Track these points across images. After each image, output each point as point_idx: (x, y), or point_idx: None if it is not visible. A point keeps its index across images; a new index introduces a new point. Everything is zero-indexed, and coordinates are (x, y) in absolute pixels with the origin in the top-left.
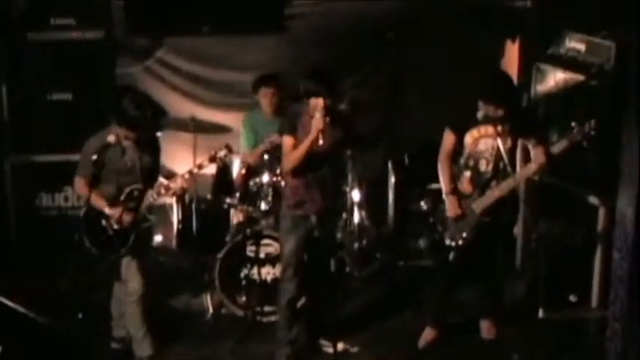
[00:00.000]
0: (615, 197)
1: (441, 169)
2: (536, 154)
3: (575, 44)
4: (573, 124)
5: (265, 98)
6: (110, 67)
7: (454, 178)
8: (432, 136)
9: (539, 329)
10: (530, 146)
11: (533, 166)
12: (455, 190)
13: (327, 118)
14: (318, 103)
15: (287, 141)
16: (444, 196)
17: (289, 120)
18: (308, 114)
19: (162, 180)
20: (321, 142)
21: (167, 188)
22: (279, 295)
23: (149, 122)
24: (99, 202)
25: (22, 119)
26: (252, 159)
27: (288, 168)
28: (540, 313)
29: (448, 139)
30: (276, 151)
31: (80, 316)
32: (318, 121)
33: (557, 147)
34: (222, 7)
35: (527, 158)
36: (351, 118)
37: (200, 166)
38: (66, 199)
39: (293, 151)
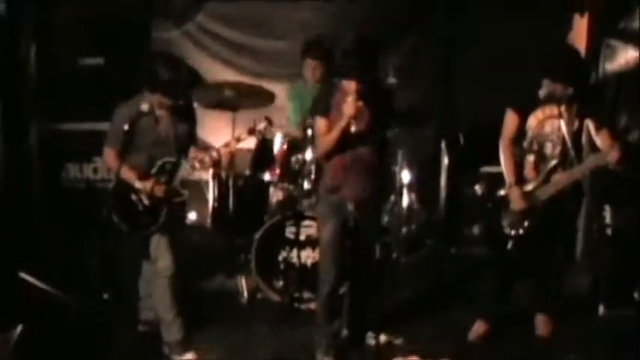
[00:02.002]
0: None
1: (503, 156)
2: (605, 140)
3: None
4: None
5: (309, 70)
6: (146, 31)
7: (519, 167)
8: (490, 113)
9: (599, 327)
10: (593, 130)
11: (612, 154)
12: (519, 181)
13: (360, 103)
14: (350, 85)
15: (319, 123)
16: (506, 187)
17: (322, 98)
18: (343, 91)
19: (197, 152)
20: (353, 128)
21: (202, 162)
22: (318, 286)
23: (185, 89)
24: (129, 175)
25: (50, 83)
26: (297, 131)
27: (321, 153)
28: (601, 310)
29: (511, 121)
30: None
31: (106, 295)
32: (349, 106)
33: (633, 136)
34: None
35: (593, 142)
36: (390, 94)
37: (238, 139)
38: (95, 170)
39: (325, 135)
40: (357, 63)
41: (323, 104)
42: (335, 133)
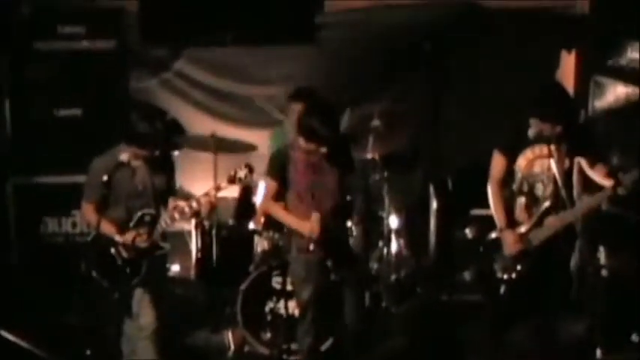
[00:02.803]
0: None
1: (493, 199)
2: (602, 174)
3: (637, 55)
4: None
5: (292, 115)
6: (123, 81)
7: (509, 210)
8: (478, 156)
9: None
10: (587, 167)
11: (605, 193)
12: (511, 223)
13: (319, 228)
14: (319, 149)
15: (269, 186)
16: (497, 231)
17: (278, 158)
18: (300, 150)
19: (176, 203)
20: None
21: (182, 212)
22: (297, 339)
23: (161, 139)
24: (108, 229)
25: (26, 137)
26: None
27: (260, 216)
28: (598, 355)
29: (498, 162)
30: None
31: (88, 353)
32: (314, 227)
33: (630, 177)
34: (246, 15)
35: (585, 182)
36: (346, 141)
37: (218, 188)
38: (74, 224)
39: (272, 205)
40: (331, 127)
41: (277, 166)
42: (285, 219)
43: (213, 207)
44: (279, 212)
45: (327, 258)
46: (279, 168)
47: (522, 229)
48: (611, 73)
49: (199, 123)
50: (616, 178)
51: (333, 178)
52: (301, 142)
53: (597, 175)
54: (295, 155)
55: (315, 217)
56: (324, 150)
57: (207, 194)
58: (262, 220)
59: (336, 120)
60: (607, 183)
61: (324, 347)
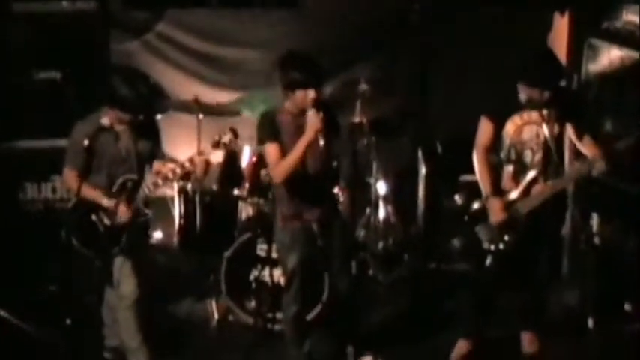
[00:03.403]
0: None
1: (478, 166)
2: (590, 149)
3: (633, 17)
4: None
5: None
6: (104, 43)
7: (495, 177)
8: (468, 121)
9: (588, 342)
10: (575, 138)
11: (598, 164)
12: (497, 192)
13: (322, 114)
14: (308, 95)
15: (271, 150)
16: (483, 199)
17: (268, 123)
18: (288, 112)
19: (159, 168)
20: (321, 142)
21: (166, 177)
22: (283, 308)
23: (145, 103)
24: (93, 194)
25: (4, 100)
26: None
27: (280, 179)
28: (590, 324)
29: (485, 129)
30: None
31: (68, 322)
32: (313, 119)
33: (623, 143)
34: None
35: (575, 148)
36: (330, 105)
37: (201, 153)
38: (53, 190)
39: (283, 160)
40: (312, 71)
41: (270, 129)
42: (298, 152)
43: (207, 167)
44: (289, 158)
45: (314, 222)
46: (273, 130)
47: (510, 197)
48: (606, 36)
49: (182, 86)
50: (604, 148)
51: (321, 141)
52: (288, 104)
53: (584, 148)
54: (283, 119)
55: (312, 111)
56: (312, 95)
57: (191, 160)
58: (247, 185)
59: (318, 67)
60: (593, 157)
61: (310, 316)
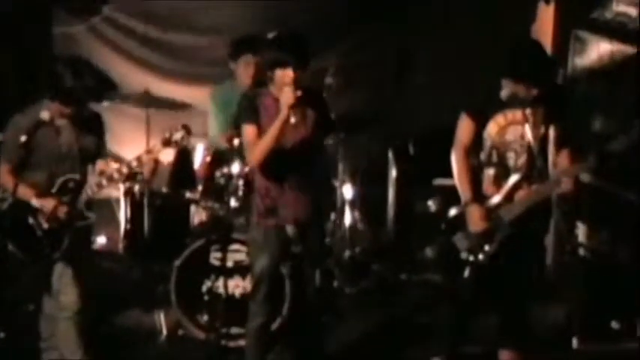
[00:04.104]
0: None
1: (457, 169)
2: (563, 160)
3: (624, 8)
4: (636, 124)
5: (247, 68)
6: (45, 26)
7: (476, 182)
8: (443, 118)
9: None
10: (553, 145)
11: (563, 185)
12: (478, 197)
13: (299, 92)
14: (286, 74)
15: (248, 130)
16: (462, 205)
17: (247, 104)
18: (270, 94)
19: (104, 167)
20: (292, 120)
21: (110, 178)
22: (248, 318)
23: (90, 95)
24: (26, 193)
25: None
26: (223, 141)
27: (256, 161)
28: (574, 344)
29: (466, 127)
30: None
31: (2, 335)
32: (287, 95)
33: (614, 146)
34: None
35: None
36: (322, 95)
37: (150, 151)
38: None
39: (259, 141)
40: (292, 50)
41: (249, 110)
42: (273, 131)
43: (156, 167)
44: (264, 139)
45: (289, 224)
46: (253, 111)
47: (491, 203)
48: (595, 28)
49: (130, 76)
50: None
51: (292, 118)
52: (272, 87)
53: (559, 158)
54: (265, 102)
55: (288, 88)
56: (290, 75)
57: (138, 159)
58: (200, 187)
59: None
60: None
61: (273, 327)
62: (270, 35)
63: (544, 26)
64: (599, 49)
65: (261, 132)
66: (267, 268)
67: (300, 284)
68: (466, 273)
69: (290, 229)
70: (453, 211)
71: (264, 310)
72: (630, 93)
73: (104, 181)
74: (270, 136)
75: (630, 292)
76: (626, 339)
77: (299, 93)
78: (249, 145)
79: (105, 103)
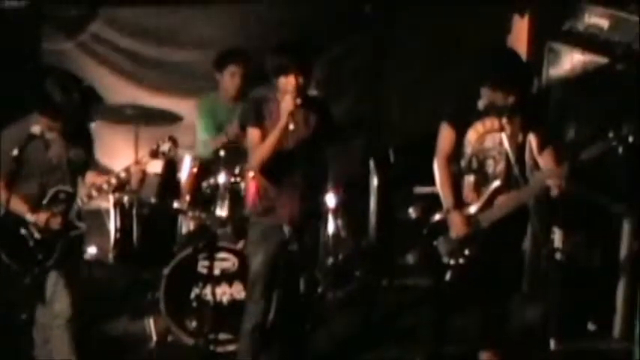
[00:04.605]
0: None
1: (439, 176)
2: (548, 163)
3: (596, 20)
4: (611, 134)
5: (233, 78)
6: (35, 43)
7: (458, 189)
8: (423, 127)
9: None
10: (535, 148)
11: (555, 181)
12: (459, 203)
13: (299, 100)
14: (288, 81)
15: (253, 133)
16: (444, 211)
17: (253, 107)
18: (275, 100)
19: (94, 179)
20: (291, 127)
21: (100, 189)
22: (243, 318)
23: (78, 110)
24: (19, 207)
25: None
26: (212, 145)
27: (257, 164)
28: (552, 345)
29: (447, 135)
30: (236, 144)
31: None
32: (287, 102)
33: (588, 153)
34: None
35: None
36: (326, 104)
37: (138, 163)
38: None
39: (261, 144)
40: (295, 57)
41: (254, 113)
42: (273, 136)
43: (144, 177)
44: (265, 143)
45: (285, 223)
46: (258, 115)
47: (471, 209)
48: (568, 40)
49: (119, 90)
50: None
51: (291, 125)
52: (278, 93)
53: (543, 161)
54: (271, 107)
55: (289, 96)
56: (291, 82)
57: (127, 170)
58: (188, 198)
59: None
60: (549, 173)
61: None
62: (277, 42)
63: (519, 38)
64: (572, 60)
65: (264, 135)
66: (263, 266)
67: (294, 283)
68: (447, 276)
69: (286, 229)
70: (436, 217)
71: (260, 308)
72: (602, 102)
73: (94, 192)
74: (270, 141)
75: (605, 294)
76: (602, 339)
77: (299, 101)
78: (252, 147)
79: (92, 124)
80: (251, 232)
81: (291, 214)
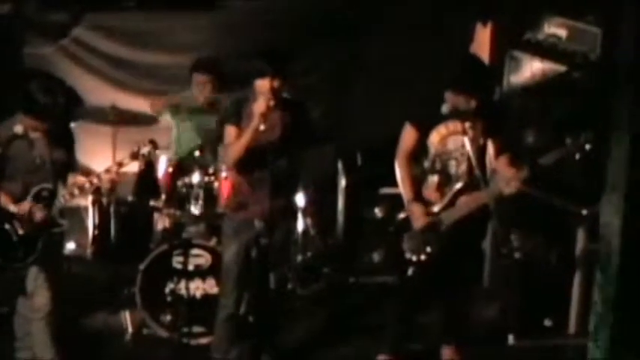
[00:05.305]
0: (598, 207)
1: (399, 172)
2: (504, 169)
3: (555, 29)
4: (568, 141)
5: (201, 87)
6: (18, 47)
7: (417, 183)
8: (389, 131)
9: (508, 357)
10: (493, 154)
11: (510, 186)
12: (419, 197)
13: (272, 102)
14: (263, 84)
15: (230, 131)
16: (406, 206)
17: (233, 108)
18: (254, 101)
19: (75, 178)
20: (262, 127)
21: (81, 188)
22: (217, 309)
23: (61, 111)
24: (2, 200)
25: None
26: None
27: (231, 161)
28: (510, 340)
29: (409, 136)
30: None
31: None
32: (260, 104)
33: (547, 159)
34: None
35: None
36: (303, 107)
37: (120, 164)
38: None
39: (235, 142)
40: (271, 62)
41: (234, 112)
42: (246, 135)
43: (114, 184)
44: (238, 142)
45: (257, 219)
46: (238, 114)
47: (435, 208)
48: (528, 48)
49: (98, 93)
50: (525, 169)
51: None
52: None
53: (499, 166)
54: (250, 107)
55: (262, 98)
56: (266, 84)
57: (108, 170)
58: (164, 196)
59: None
60: (505, 178)
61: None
62: (255, 51)
63: (481, 46)
64: (532, 68)
65: (240, 134)
66: (236, 256)
67: (264, 279)
68: (409, 272)
69: (258, 224)
70: (401, 215)
71: (233, 299)
72: (561, 109)
73: (76, 191)
74: (242, 140)
75: (561, 291)
76: (558, 335)
77: (272, 102)
78: (228, 144)
79: (74, 124)
80: (225, 227)
81: (262, 210)
